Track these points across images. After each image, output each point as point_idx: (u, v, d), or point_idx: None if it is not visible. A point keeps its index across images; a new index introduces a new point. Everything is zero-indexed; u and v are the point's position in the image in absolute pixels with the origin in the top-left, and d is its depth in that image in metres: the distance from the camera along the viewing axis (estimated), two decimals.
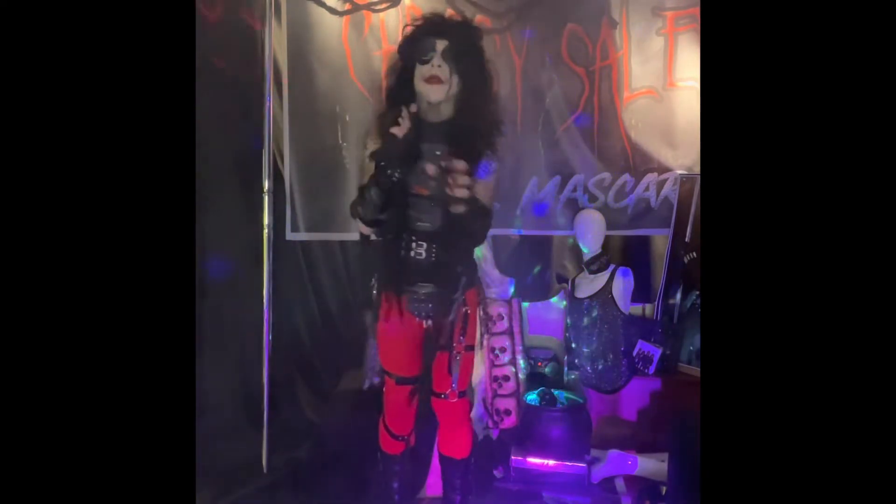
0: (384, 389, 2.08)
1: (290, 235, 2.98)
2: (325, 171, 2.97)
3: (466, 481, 2.12)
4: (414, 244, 1.87)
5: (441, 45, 1.79)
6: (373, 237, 1.92)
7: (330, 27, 2.90)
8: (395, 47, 1.93)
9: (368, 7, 2.90)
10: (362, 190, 1.83)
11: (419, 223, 1.86)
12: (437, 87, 1.80)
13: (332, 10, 2.89)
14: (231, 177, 2.93)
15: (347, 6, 2.89)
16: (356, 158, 2.96)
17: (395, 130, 1.74)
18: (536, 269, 3.23)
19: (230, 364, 2.95)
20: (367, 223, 1.87)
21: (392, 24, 2.92)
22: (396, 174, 1.76)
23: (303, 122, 2.93)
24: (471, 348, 2.02)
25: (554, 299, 3.14)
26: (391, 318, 1.93)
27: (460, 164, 1.68)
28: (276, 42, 2.84)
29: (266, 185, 2.76)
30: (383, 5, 2.91)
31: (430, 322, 1.94)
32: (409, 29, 1.87)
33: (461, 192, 1.68)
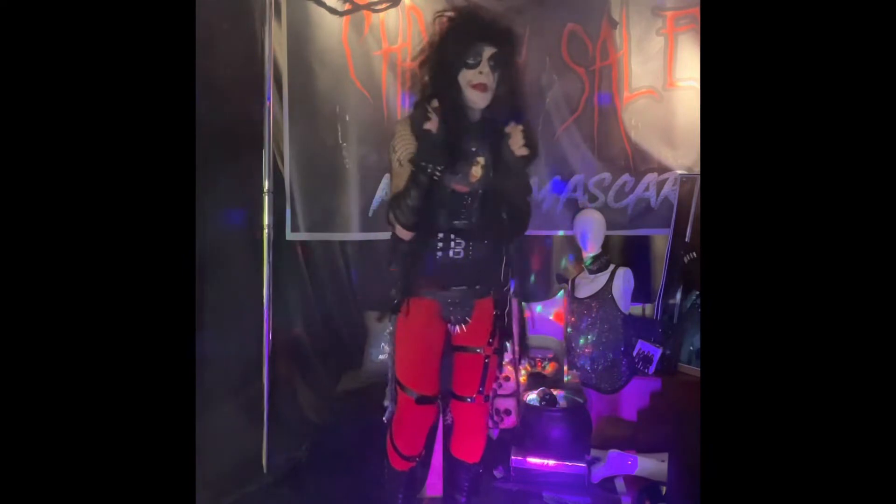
0: (397, 406, 1.99)
1: (290, 235, 2.98)
2: (325, 171, 2.97)
3: (474, 485, 2.11)
4: (452, 243, 1.85)
5: (488, 51, 1.78)
6: (406, 238, 1.85)
7: (330, 27, 2.90)
8: (432, 39, 1.87)
9: (368, 7, 2.91)
10: (399, 196, 1.78)
11: (456, 221, 1.85)
12: (483, 95, 1.80)
13: (332, 10, 2.89)
14: (231, 177, 2.93)
15: (347, 6, 2.89)
16: (356, 158, 2.96)
17: (429, 126, 1.72)
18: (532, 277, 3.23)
19: (230, 364, 2.95)
20: (408, 227, 1.81)
21: (392, 24, 2.92)
22: (438, 172, 1.73)
23: (303, 122, 2.93)
24: (497, 351, 2.00)
25: (559, 294, 3.13)
26: (417, 326, 1.87)
27: (519, 127, 1.72)
28: (276, 42, 2.84)
29: (266, 185, 2.77)
30: (383, 5, 2.91)
31: (463, 327, 1.91)
32: (448, 23, 1.83)
33: (523, 151, 1.71)
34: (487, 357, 1.93)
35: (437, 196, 1.79)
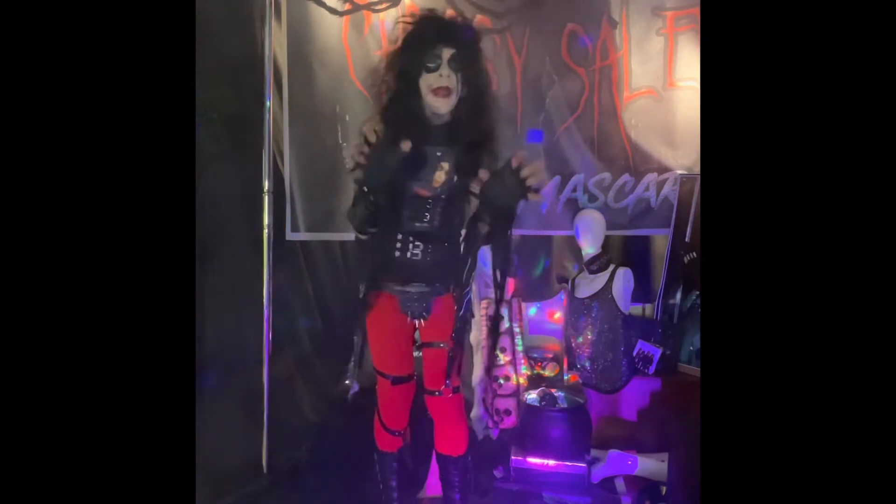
0: (377, 388, 2.07)
1: (290, 235, 2.98)
2: (325, 171, 2.97)
3: (465, 479, 2.12)
4: (411, 245, 1.86)
5: (448, 53, 1.75)
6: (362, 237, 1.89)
7: (330, 27, 2.90)
8: (392, 46, 1.86)
9: (368, 7, 2.91)
10: (352, 205, 1.77)
11: (416, 224, 1.85)
12: (445, 101, 1.77)
13: (332, 10, 2.89)
14: (231, 177, 2.93)
15: (347, 6, 2.90)
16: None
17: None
18: (539, 268, 3.23)
19: (230, 364, 2.95)
20: (361, 233, 1.85)
21: (392, 24, 2.92)
22: (381, 201, 1.70)
23: (303, 122, 2.94)
24: (460, 345, 2.01)
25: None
26: (382, 318, 1.92)
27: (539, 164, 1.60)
28: (276, 42, 2.84)
29: (266, 185, 2.77)
30: (383, 5, 2.91)
31: (422, 322, 1.94)
32: (407, 28, 1.81)
33: (537, 179, 1.57)
34: (451, 350, 1.94)
35: (398, 199, 1.79)
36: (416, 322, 1.96)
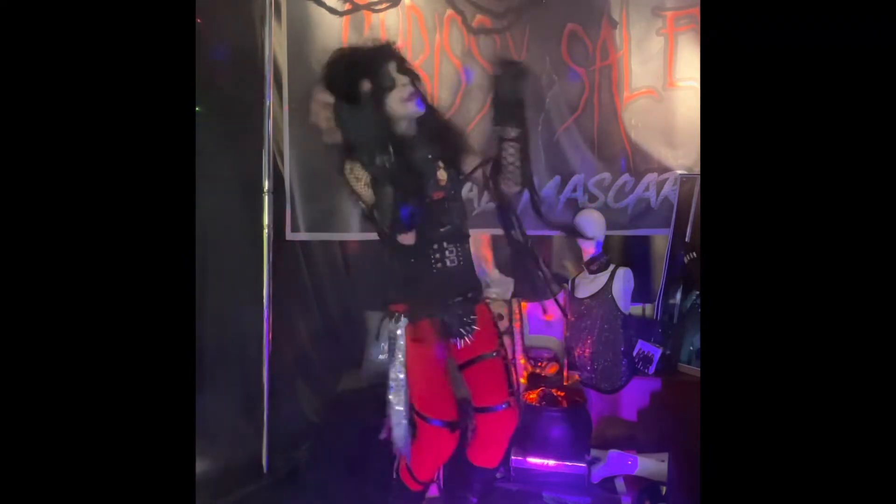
0: (417, 434, 1.90)
1: (290, 235, 2.98)
2: (325, 171, 2.95)
3: (487, 488, 2.10)
4: (446, 251, 1.84)
5: (391, 66, 1.78)
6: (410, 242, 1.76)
7: (330, 27, 2.90)
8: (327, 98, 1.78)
9: (368, 7, 2.91)
10: (378, 206, 1.70)
11: (442, 229, 1.84)
12: (415, 102, 1.79)
13: (332, 10, 2.89)
14: (231, 177, 2.93)
15: (347, 6, 2.90)
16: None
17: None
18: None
19: (230, 364, 2.95)
20: (393, 232, 1.71)
21: (392, 24, 2.92)
22: (383, 161, 1.66)
23: (303, 122, 2.93)
24: (498, 353, 1.98)
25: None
26: (427, 352, 1.81)
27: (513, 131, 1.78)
28: (276, 42, 2.84)
29: (266, 185, 2.77)
30: (383, 5, 2.91)
31: (469, 338, 1.87)
32: (340, 67, 1.78)
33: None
34: (505, 359, 1.93)
35: (420, 209, 1.72)
36: (460, 343, 1.87)
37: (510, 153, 1.79)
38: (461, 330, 1.85)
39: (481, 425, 1.97)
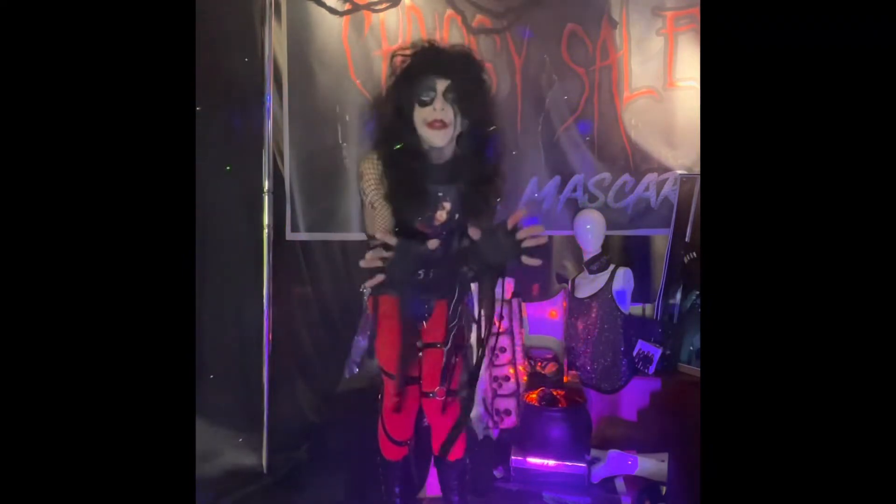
0: (383, 394, 2.04)
1: (290, 235, 2.98)
2: (325, 171, 2.97)
3: (463, 482, 2.11)
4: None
5: (442, 85, 1.67)
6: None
7: (330, 27, 2.90)
8: (389, 80, 1.76)
9: (368, 7, 2.91)
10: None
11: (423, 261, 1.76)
12: (441, 133, 1.69)
13: (332, 10, 2.89)
14: (231, 177, 2.93)
15: (347, 6, 2.90)
16: (356, 158, 2.96)
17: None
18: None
19: (230, 364, 2.95)
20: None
21: (392, 24, 2.93)
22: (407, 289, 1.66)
23: (303, 122, 2.94)
24: (460, 348, 1.99)
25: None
26: (391, 317, 1.91)
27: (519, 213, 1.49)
28: (276, 42, 2.84)
29: (266, 185, 2.77)
30: (383, 5, 2.91)
31: (424, 324, 1.93)
32: (401, 62, 1.72)
33: (534, 242, 1.49)
34: (449, 354, 1.94)
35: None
36: (420, 324, 1.94)
37: (470, 282, 1.74)
38: (413, 315, 1.89)
39: (425, 410, 2.04)
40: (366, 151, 1.80)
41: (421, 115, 1.69)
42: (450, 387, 1.98)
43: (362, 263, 1.51)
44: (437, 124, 1.68)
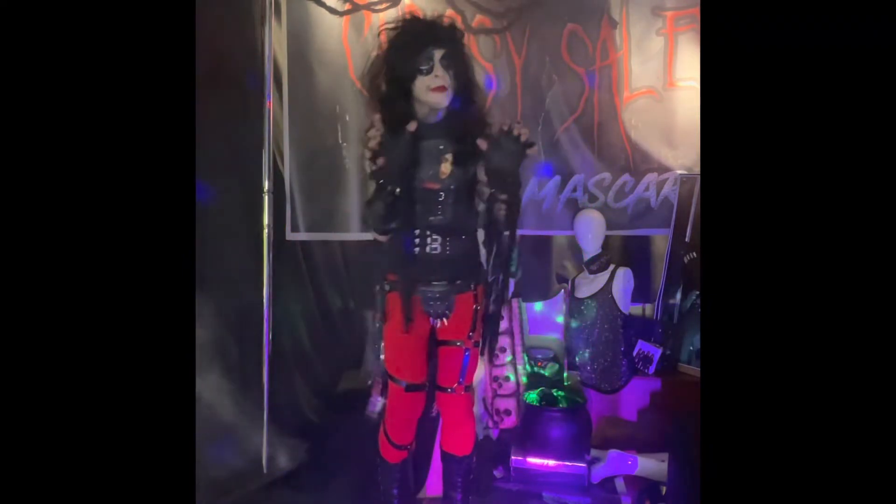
0: (388, 396, 2.05)
1: (290, 235, 2.98)
2: (325, 171, 2.97)
3: (468, 480, 2.12)
4: (429, 239, 1.90)
5: (439, 53, 1.83)
6: (382, 239, 1.93)
7: (330, 27, 2.90)
8: (378, 51, 1.92)
9: (368, 7, 2.91)
10: (369, 203, 1.88)
11: (431, 217, 1.89)
12: (442, 95, 1.84)
13: (332, 10, 2.89)
14: (231, 176, 2.93)
15: (347, 6, 2.90)
16: (356, 158, 2.96)
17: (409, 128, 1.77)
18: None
19: (230, 364, 2.95)
20: (379, 233, 1.91)
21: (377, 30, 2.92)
22: (397, 191, 1.81)
23: (303, 122, 2.94)
24: (477, 344, 2.03)
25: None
26: (400, 320, 1.91)
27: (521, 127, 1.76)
28: (276, 42, 2.84)
29: (266, 185, 2.77)
30: (383, 5, 2.91)
31: (444, 321, 1.95)
32: (395, 35, 1.88)
33: (527, 135, 1.76)
34: (467, 350, 1.98)
35: (410, 195, 1.85)
36: (436, 322, 1.96)
37: (501, 208, 1.84)
38: (432, 312, 1.94)
39: (439, 404, 2.08)
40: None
41: (424, 83, 1.84)
42: (465, 382, 2.01)
43: (367, 144, 1.80)
44: (440, 89, 1.84)
